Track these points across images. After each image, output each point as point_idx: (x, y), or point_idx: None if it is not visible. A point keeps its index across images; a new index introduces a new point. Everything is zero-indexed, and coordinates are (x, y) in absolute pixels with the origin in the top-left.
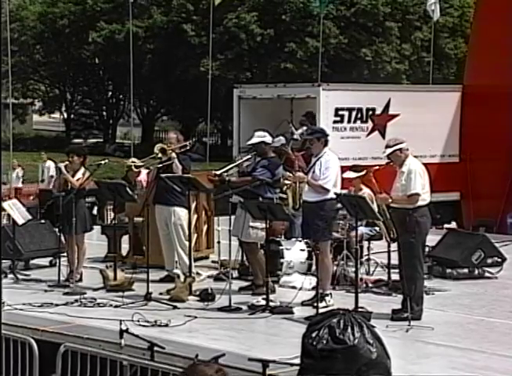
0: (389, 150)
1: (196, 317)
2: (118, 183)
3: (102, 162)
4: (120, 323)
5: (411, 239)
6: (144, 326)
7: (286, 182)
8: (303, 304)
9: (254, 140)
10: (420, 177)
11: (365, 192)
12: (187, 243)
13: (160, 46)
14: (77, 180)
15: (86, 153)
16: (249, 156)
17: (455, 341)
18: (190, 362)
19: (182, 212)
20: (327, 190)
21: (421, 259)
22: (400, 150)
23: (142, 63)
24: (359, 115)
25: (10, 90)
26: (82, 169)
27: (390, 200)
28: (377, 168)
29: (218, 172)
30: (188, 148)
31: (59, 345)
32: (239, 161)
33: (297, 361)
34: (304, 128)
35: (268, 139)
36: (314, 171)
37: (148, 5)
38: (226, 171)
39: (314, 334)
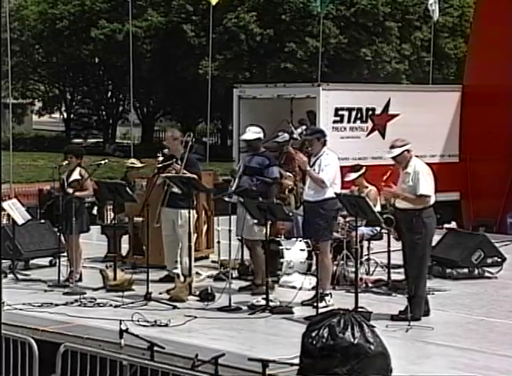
0: (398, 151)
1: (196, 317)
2: (118, 183)
3: (102, 162)
4: (120, 323)
5: (418, 240)
6: (144, 326)
7: (289, 182)
8: (303, 304)
9: (251, 136)
10: (428, 177)
11: (372, 190)
12: (192, 245)
13: (160, 46)
14: (75, 181)
15: (83, 154)
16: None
17: (455, 341)
18: (190, 362)
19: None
20: (326, 185)
21: (427, 260)
22: (407, 150)
23: (142, 63)
24: (359, 115)
25: (10, 90)
26: (78, 169)
27: (396, 192)
28: (389, 174)
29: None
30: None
31: (59, 345)
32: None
33: (297, 361)
34: (304, 127)
35: (262, 135)
36: (314, 170)
37: (146, 6)
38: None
39: (314, 334)
